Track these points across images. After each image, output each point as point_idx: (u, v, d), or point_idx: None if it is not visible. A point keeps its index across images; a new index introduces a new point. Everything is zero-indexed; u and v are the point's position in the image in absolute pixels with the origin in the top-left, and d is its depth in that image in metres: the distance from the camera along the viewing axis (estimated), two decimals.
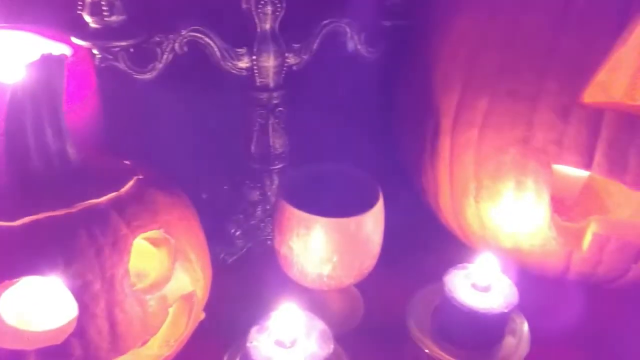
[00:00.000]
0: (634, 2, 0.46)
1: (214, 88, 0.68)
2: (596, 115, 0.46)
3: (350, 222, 0.48)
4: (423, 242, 0.64)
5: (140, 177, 0.46)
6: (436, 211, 0.62)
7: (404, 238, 0.63)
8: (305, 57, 0.60)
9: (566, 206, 0.63)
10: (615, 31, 0.46)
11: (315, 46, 0.60)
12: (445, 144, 0.55)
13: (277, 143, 0.63)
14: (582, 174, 0.59)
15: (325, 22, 0.59)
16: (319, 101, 0.77)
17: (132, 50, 0.51)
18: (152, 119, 0.70)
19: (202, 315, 0.50)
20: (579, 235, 0.52)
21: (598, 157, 0.47)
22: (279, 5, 0.56)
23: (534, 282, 0.55)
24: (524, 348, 0.50)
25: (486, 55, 0.51)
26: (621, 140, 0.46)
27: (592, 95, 0.48)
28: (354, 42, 0.62)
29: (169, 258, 0.44)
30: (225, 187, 0.71)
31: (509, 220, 0.53)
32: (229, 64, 0.57)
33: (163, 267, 0.45)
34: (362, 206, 0.49)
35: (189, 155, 0.72)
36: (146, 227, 0.42)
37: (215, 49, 0.55)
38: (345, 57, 0.63)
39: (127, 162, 0.48)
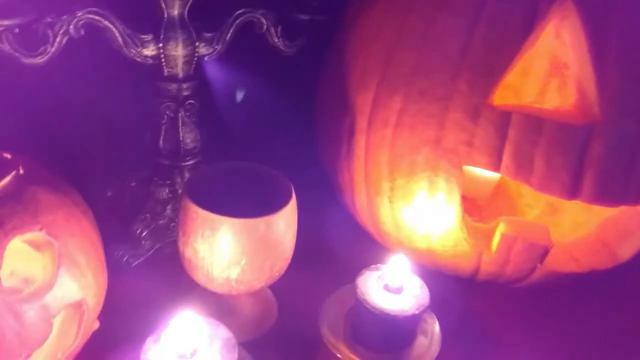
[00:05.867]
0: (539, 10, 0.46)
1: (119, 76, 0.63)
2: (504, 117, 0.47)
3: (259, 222, 0.45)
4: (339, 243, 0.63)
5: (20, 172, 0.41)
6: (352, 212, 0.61)
7: (319, 239, 0.62)
8: (218, 47, 0.57)
9: (478, 206, 0.64)
10: (522, 36, 0.47)
11: (229, 37, 0.57)
12: (360, 142, 0.54)
13: (188, 138, 0.60)
14: (494, 175, 0.60)
15: (239, 11, 0.56)
16: (236, 95, 0.74)
17: (17, 30, 0.46)
18: (49, 109, 0.64)
19: (96, 325, 0.46)
20: (488, 236, 0.53)
21: (506, 159, 0.47)
22: None
23: (447, 281, 0.55)
24: (435, 348, 0.50)
25: (401, 53, 0.50)
26: (527, 143, 0.46)
27: (502, 97, 0.49)
28: (270, 35, 0.59)
29: (52, 263, 0.40)
30: (132, 184, 0.66)
31: (422, 220, 0.53)
32: (133, 50, 0.53)
33: (46, 273, 0.40)
34: (273, 206, 0.47)
35: (92, 150, 0.67)
36: (23, 229, 0.38)
37: (117, 34, 0.51)
38: (265, 51, 0.61)
39: (7, 154, 0.43)
